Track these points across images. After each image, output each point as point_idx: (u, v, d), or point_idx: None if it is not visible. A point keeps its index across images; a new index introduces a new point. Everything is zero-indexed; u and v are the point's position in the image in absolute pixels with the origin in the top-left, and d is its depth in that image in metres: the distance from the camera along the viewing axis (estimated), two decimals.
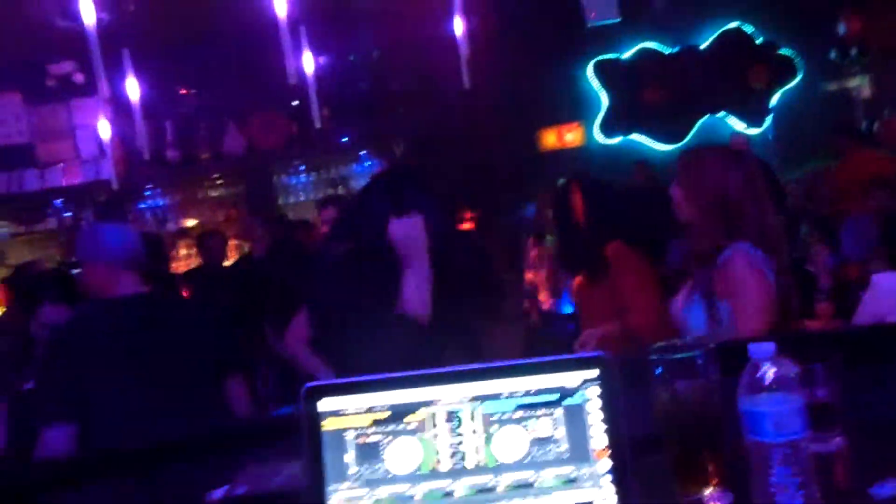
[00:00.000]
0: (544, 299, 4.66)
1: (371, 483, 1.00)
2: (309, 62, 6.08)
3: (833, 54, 7.55)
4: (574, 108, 7.77)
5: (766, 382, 1.05)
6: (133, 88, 5.60)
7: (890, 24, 7.22)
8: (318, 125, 6.82)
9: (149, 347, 2.43)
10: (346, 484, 1.00)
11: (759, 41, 7.74)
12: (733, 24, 7.72)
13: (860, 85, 7.71)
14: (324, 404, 1.03)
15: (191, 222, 7.63)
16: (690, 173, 2.27)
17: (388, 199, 2.25)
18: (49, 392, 2.39)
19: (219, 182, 7.77)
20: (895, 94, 7.29)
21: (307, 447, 1.01)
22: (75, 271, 3.40)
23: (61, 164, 7.24)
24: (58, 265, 6.06)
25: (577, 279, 3.31)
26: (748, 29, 7.74)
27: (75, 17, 4.68)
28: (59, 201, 7.39)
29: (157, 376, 2.39)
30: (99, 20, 4.80)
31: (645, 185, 6.11)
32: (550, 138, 7.85)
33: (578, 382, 1.03)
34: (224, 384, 2.55)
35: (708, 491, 1.13)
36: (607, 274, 3.05)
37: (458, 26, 5.53)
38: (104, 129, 6.47)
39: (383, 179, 2.53)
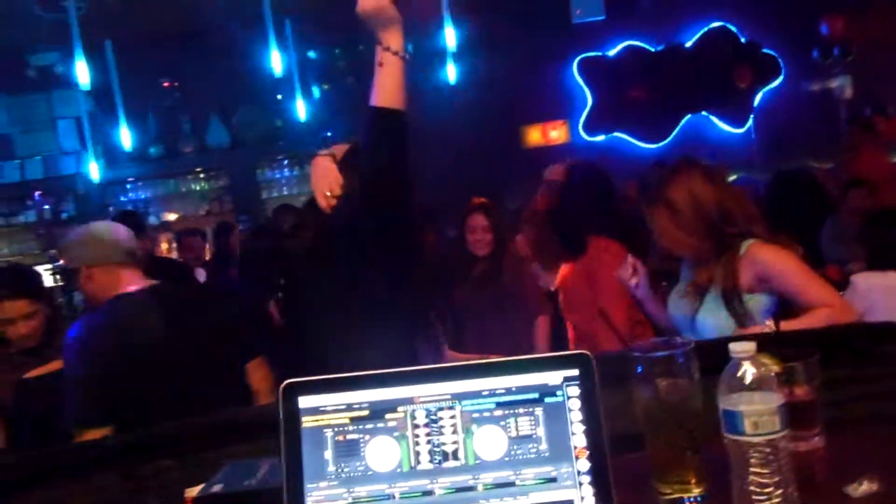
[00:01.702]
0: None
1: (350, 481, 0.99)
2: (294, 56, 6.06)
3: (815, 54, 7.61)
4: (559, 106, 7.79)
5: (746, 381, 1.06)
6: (115, 80, 5.56)
7: (871, 24, 7.29)
8: (303, 119, 6.80)
9: (173, 339, 2.42)
10: (325, 482, 0.99)
11: (742, 41, 7.78)
12: (717, 24, 7.76)
13: (842, 85, 7.78)
14: (303, 402, 1.02)
15: (172, 216, 7.58)
16: (661, 210, 2.25)
17: None
18: (81, 398, 2.34)
19: (202, 176, 7.72)
20: (877, 93, 7.36)
21: (286, 445, 1.00)
22: (45, 268, 3.37)
23: (41, 156, 7.16)
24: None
25: (562, 268, 3.39)
26: (732, 28, 7.78)
27: (57, 7, 4.63)
28: (38, 194, 7.32)
29: (185, 367, 2.40)
30: (81, 11, 4.76)
31: (633, 205, 6.11)
32: (535, 135, 7.86)
33: (559, 381, 1.03)
34: (246, 368, 2.56)
35: (687, 489, 1.14)
36: (584, 252, 3.26)
37: (445, 22, 5.53)
38: (85, 121, 6.41)
39: None
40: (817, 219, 5.29)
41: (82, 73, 4.72)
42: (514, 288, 3.61)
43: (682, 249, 2.29)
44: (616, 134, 7.80)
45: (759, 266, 2.17)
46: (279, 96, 7.19)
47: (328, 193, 2.14)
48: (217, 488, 1.14)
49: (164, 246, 7.10)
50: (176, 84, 7.46)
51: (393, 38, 2.01)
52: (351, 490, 0.99)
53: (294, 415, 1.01)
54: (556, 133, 7.86)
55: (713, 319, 2.22)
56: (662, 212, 2.24)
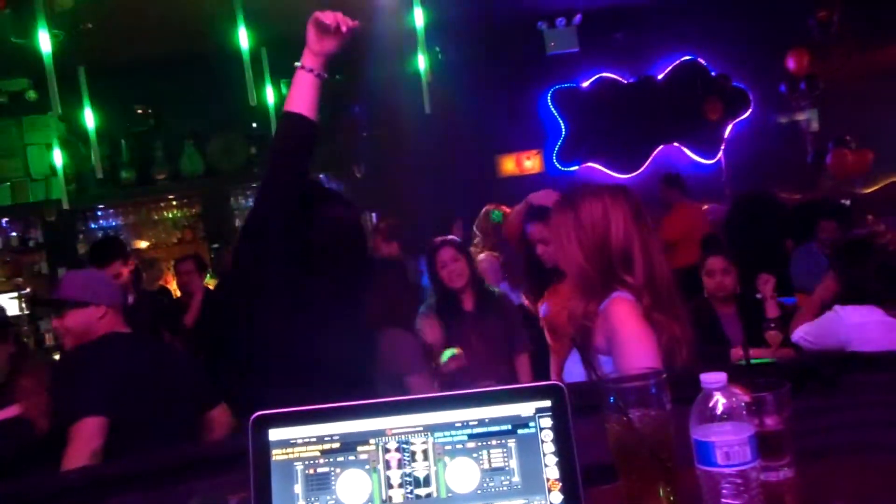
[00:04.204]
0: None
1: None
2: (269, 84, 6.07)
3: (783, 88, 7.79)
4: (533, 136, 7.87)
5: (717, 412, 1.06)
6: (87, 106, 5.52)
7: (835, 59, 7.49)
8: None
9: (160, 381, 2.63)
10: None
11: (713, 74, 7.94)
12: (688, 58, 7.92)
13: (809, 118, 7.96)
14: (273, 434, 1.00)
15: (143, 243, 7.50)
16: (568, 215, 1.98)
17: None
18: (83, 387, 2.49)
19: (174, 203, 7.66)
20: (842, 127, 7.53)
21: (255, 478, 0.98)
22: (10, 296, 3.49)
23: (10, 182, 7.06)
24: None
25: (548, 297, 3.38)
26: (703, 62, 7.94)
27: (29, 33, 4.61)
28: (5, 220, 7.20)
29: (167, 409, 2.57)
30: (59, 38, 4.73)
31: None
32: (509, 165, 7.93)
33: (531, 412, 1.03)
34: (210, 414, 2.77)
35: None
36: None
37: (420, 53, 5.57)
38: (56, 147, 6.34)
39: None
40: (777, 238, 5.38)
41: (54, 99, 4.68)
42: (497, 322, 3.65)
43: (568, 266, 1.99)
44: (589, 164, 7.89)
45: (608, 323, 1.88)
46: (254, 125, 7.18)
47: None
48: None
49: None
50: (150, 110, 7.42)
51: (305, 57, 2.20)
52: None
53: (264, 447, 1.00)
54: (531, 163, 7.93)
55: (579, 371, 1.96)
56: (569, 217, 1.97)
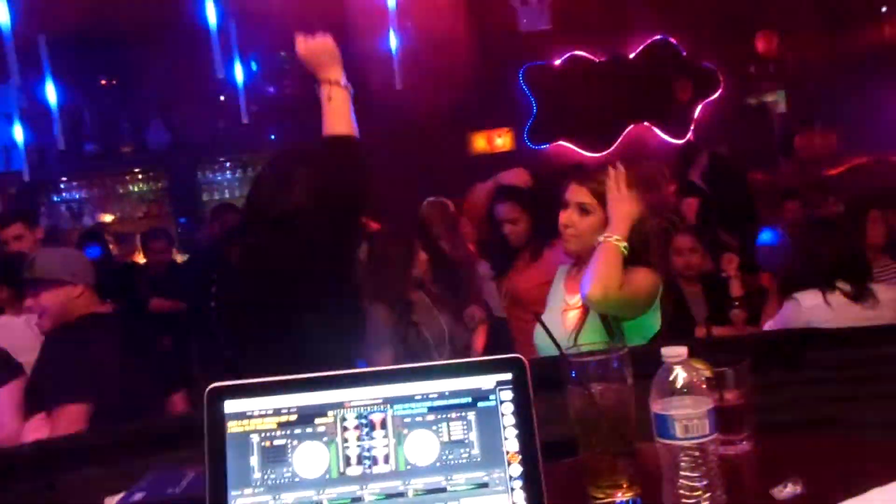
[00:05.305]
0: None
1: (276, 488, 0.96)
2: (237, 57, 5.96)
3: (752, 69, 7.84)
4: (505, 113, 7.83)
5: (677, 385, 1.07)
6: (49, 76, 5.38)
7: (803, 42, 7.56)
8: (245, 121, 6.68)
9: (137, 364, 2.63)
10: (250, 489, 0.96)
11: (683, 54, 7.97)
12: (660, 37, 7.93)
13: (777, 100, 8.03)
14: (229, 406, 0.99)
15: (108, 217, 7.36)
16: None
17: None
18: (67, 374, 2.49)
19: (140, 177, 7.52)
20: (809, 109, 7.62)
21: (210, 450, 0.96)
22: None
23: None
24: None
25: (518, 265, 3.39)
26: (674, 42, 7.96)
27: None
28: None
29: (142, 392, 2.57)
30: (13, 4, 4.59)
31: None
32: (480, 142, 7.90)
33: (492, 385, 1.02)
34: (172, 398, 2.76)
35: (619, 493, 1.14)
36: (542, 254, 3.30)
37: (392, 28, 5.51)
38: (16, 118, 6.18)
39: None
40: (743, 206, 5.53)
41: (14, 67, 4.55)
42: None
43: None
44: (560, 142, 7.89)
45: None
46: (222, 97, 7.06)
47: None
48: (138, 496, 1.10)
49: None
50: (114, 82, 7.25)
51: (336, 72, 2.13)
52: (277, 497, 0.96)
53: (219, 420, 0.98)
54: (502, 140, 7.90)
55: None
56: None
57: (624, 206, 2.06)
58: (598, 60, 7.94)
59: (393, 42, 5.52)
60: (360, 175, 2.11)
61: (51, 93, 5.42)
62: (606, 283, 1.98)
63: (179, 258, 6.22)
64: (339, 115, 2.11)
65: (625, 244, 2.02)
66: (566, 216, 2.16)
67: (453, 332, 3.41)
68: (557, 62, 7.91)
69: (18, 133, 6.24)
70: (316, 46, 2.13)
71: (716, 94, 7.98)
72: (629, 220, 2.06)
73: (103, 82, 7.29)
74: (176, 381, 2.83)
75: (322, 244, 2.06)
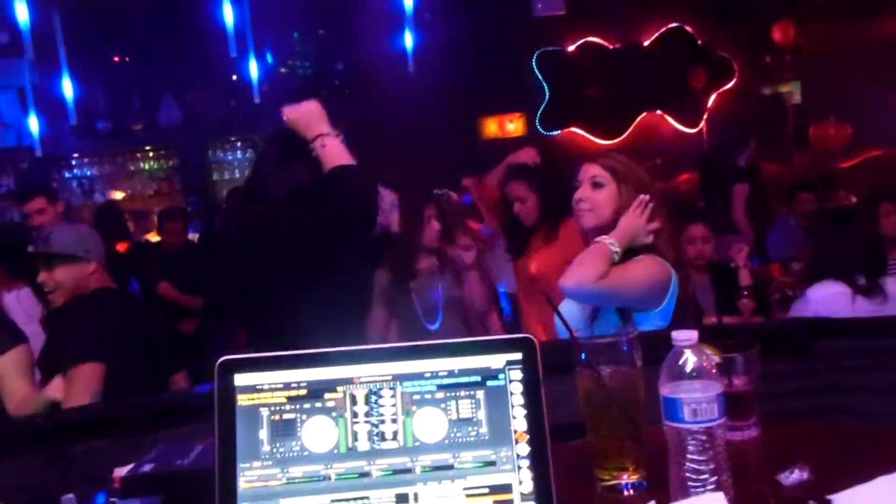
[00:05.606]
0: None
1: (285, 462, 0.97)
2: (251, 37, 5.95)
3: (767, 59, 7.77)
4: (517, 99, 7.80)
5: (687, 369, 1.07)
6: (62, 52, 5.38)
7: (819, 32, 7.48)
8: (257, 101, 6.69)
9: (149, 339, 2.69)
10: (259, 462, 0.97)
11: (699, 43, 7.90)
12: (675, 25, 7.86)
13: (791, 90, 7.96)
14: (239, 379, 0.99)
15: (119, 195, 7.39)
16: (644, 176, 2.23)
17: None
18: (81, 336, 2.54)
19: (151, 155, 7.54)
20: (823, 100, 7.55)
21: (220, 423, 0.97)
22: None
23: None
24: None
25: (534, 245, 3.39)
26: (689, 30, 7.89)
27: None
28: None
29: (151, 367, 2.63)
30: None
31: None
32: (492, 127, 7.87)
33: (501, 364, 1.02)
34: (174, 379, 2.79)
35: (625, 476, 1.14)
36: (558, 233, 3.32)
37: (405, 11, 5.49)
38: (29, 92, 6.20)
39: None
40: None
41: (27, 42, 4.56)
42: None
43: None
44: (572, 129, 7.85)
45: None
46: (234, 77, 7.05)
47: None
48: (147, 468, 1.11)
49: None
50: (127, 59, 7.26)
51: (324, 126, 2.32)
52: (285, 470, 0.97)
53: (229, 392, 0.98)
54: (513, 126, 7.88)
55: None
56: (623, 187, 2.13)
57: (633, 222, 2.09)
58: (612, 47, 7.88)
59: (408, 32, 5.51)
60: (367, 195, 2.33)
61: (64, 70, 5.44)
62: (582, 274, 2.00)
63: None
64: (336, 154, 2.30)
65: (617, 250, 2.04)
66: (580, 192, 2.18)
67: (450, 302, 3.40)
68: (571, 48, 7.86)
69: (31, 107, 6.27)
70: (302, 113, 2.34)
71: (730, 84, 7.92)
72: (632, 235, 2.08)
73: (116, 59, 7.28)
74: (178, 361, 2.86)
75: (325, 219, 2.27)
